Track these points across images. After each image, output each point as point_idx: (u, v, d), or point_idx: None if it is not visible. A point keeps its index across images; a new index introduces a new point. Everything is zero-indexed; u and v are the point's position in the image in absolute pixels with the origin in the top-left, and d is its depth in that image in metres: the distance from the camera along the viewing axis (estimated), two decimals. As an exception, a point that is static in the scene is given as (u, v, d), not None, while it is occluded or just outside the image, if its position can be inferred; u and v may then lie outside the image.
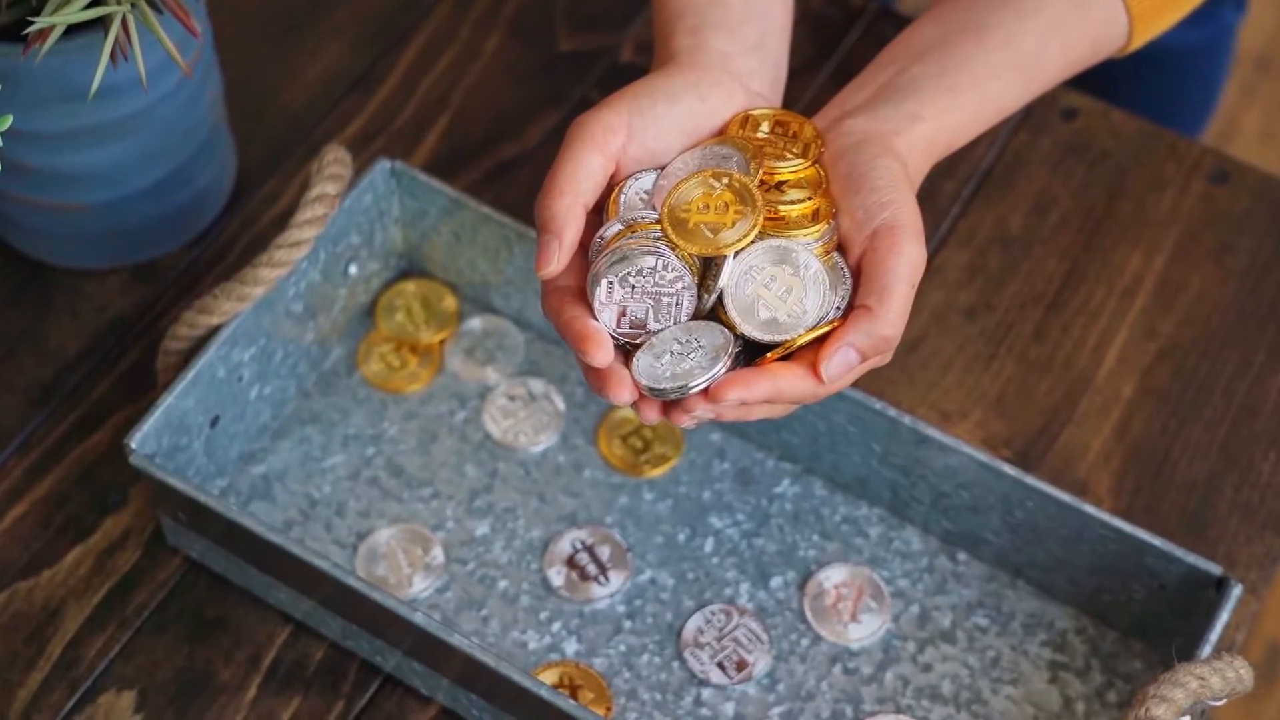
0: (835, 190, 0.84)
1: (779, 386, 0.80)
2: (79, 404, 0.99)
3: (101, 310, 1.02)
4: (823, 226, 0.83)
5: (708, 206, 0.82)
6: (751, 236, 0.81)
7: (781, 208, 0.83)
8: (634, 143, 0.84)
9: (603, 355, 0.80)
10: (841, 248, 0.83)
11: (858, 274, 0.82)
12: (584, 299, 0.82)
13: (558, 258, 0.81)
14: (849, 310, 0.82)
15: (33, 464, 0.97)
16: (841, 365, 0.80)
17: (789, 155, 0.84)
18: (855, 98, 0.88)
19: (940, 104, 0.87)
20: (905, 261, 0.81)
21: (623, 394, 0.80)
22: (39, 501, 0.96)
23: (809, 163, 0.84)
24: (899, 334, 0.81)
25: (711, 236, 0.81)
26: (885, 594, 0.94)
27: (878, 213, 0.82)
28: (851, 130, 0.85)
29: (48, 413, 0.98)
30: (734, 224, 0.81)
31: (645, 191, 0.84)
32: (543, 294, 0.83)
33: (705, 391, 0.80)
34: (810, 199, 0.83)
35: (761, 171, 0.83)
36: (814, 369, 0.80)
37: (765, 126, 0.86)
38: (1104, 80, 1.21)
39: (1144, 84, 1.35)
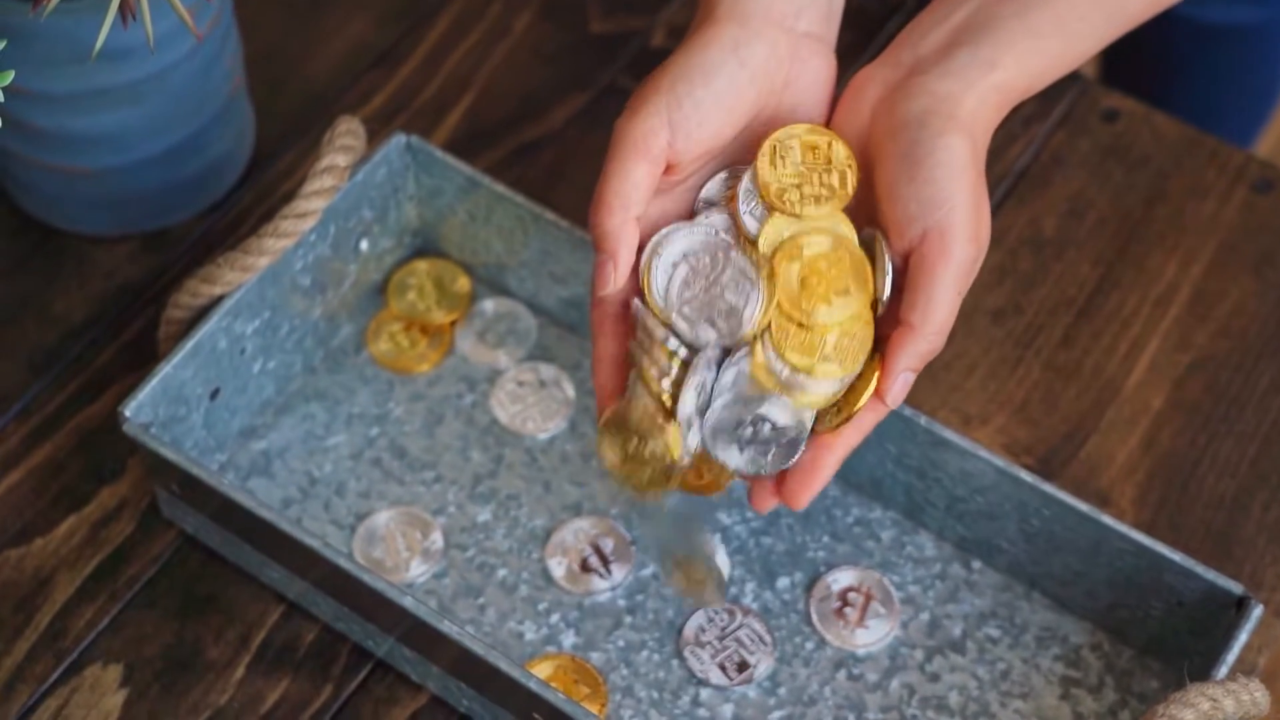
0: (889, 170, 0.81)
1: (844, 454, 0.82)
2: (81, 371, 0.97)
3: (110, 277, 1.00)
4: (846, 375, 0.82)
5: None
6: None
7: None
8: (679, 137, 0.82)
9: None
10: (888, 234, 0.81)
11: (904, 268, 0.81)
12: (626, 320, 0.83)
13: (613, 278, 0.82)
14: (890, 320, 0.81)
15: (31, 430, 0.95)
16: (903, 388, 0.81)
17: (823, 195, 0.82)
18: (930, 39, 0.83)
19: (1020, 48, 0.82)
20: (953, 270, 0.79)
21: None
22: (35, 469, 0.94)
23: (846, 197, 0.82)
24: (944, 341, 0.81)
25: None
26: (894, 599, 0.92)
27: (930, 211, 0.79)
28: (920, 91, 0.81)
29: (49, 379, 0.97)
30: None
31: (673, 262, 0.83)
32: (591, 303, 0.84)
33: (779, 487, 0.83)
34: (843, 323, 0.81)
35: (772, 307, 0.82)
36: (879, 397, 0.81)
37: (796, 155, 0.83)
38: (1163, 60, 1.17)
39: (1203, 66, 1.31)
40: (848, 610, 0.91)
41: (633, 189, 0.81)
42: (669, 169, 0.82)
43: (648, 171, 0.81)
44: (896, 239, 0.81)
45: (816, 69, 0.85)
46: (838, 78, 0.86)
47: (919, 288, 0.80)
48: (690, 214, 0.85)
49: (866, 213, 0.84)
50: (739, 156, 0.85)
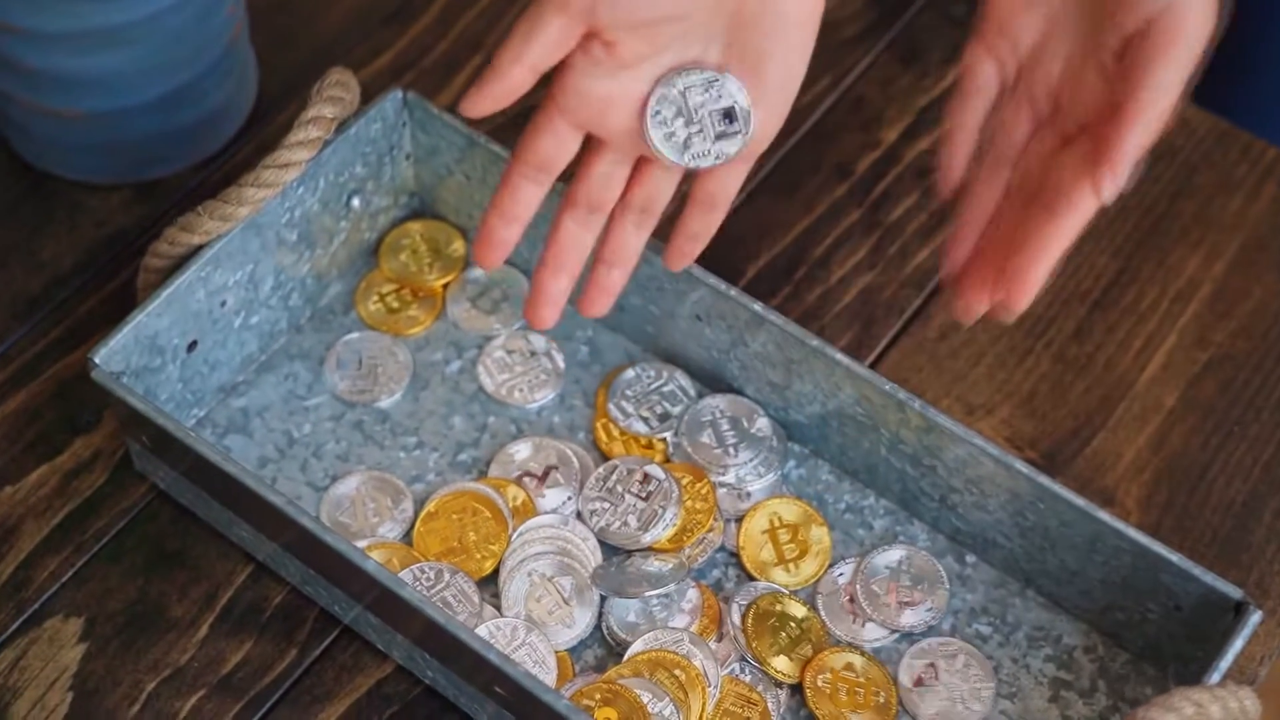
0: None
1: (1059, 251, 0.76)
2: (64, 319, 0.95)
3: (100, 225, 0.98)
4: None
5: None
6: None
7: None
8: (603, 1, 0.76)
9: (491, 261, 0.83)
10: (1114, 11, 0.76)
11: (1123, 50, 0.75)
12: (537, 181, 0.82)
13: (476, 102, 0.78)
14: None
15: (9, 377, 0.93)
16: (1130, 173, 0.75)
17: None
18: None
19: None
20: (1186, 50, 0.74)
21: (545, 316, 0.84)
22: (10, 415, 0.92)
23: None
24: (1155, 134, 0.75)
25: None
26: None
27: None
28: None
29: (30, 325, 0.95)
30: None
31: None
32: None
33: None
34: None
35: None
36: (1094, 187, 0.74)
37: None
38: (1246, 23, 1.11)
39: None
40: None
41: (539, 36, 0.76)
42: (592, 35, 0.77)
43: (560, 26, 0.76)
44: (1127, 15, 0.75)
45: None
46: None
47: (1151, 69, 0.74)
48: (643, 104, 0.79)
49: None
50: (691, 54, 0.79)
